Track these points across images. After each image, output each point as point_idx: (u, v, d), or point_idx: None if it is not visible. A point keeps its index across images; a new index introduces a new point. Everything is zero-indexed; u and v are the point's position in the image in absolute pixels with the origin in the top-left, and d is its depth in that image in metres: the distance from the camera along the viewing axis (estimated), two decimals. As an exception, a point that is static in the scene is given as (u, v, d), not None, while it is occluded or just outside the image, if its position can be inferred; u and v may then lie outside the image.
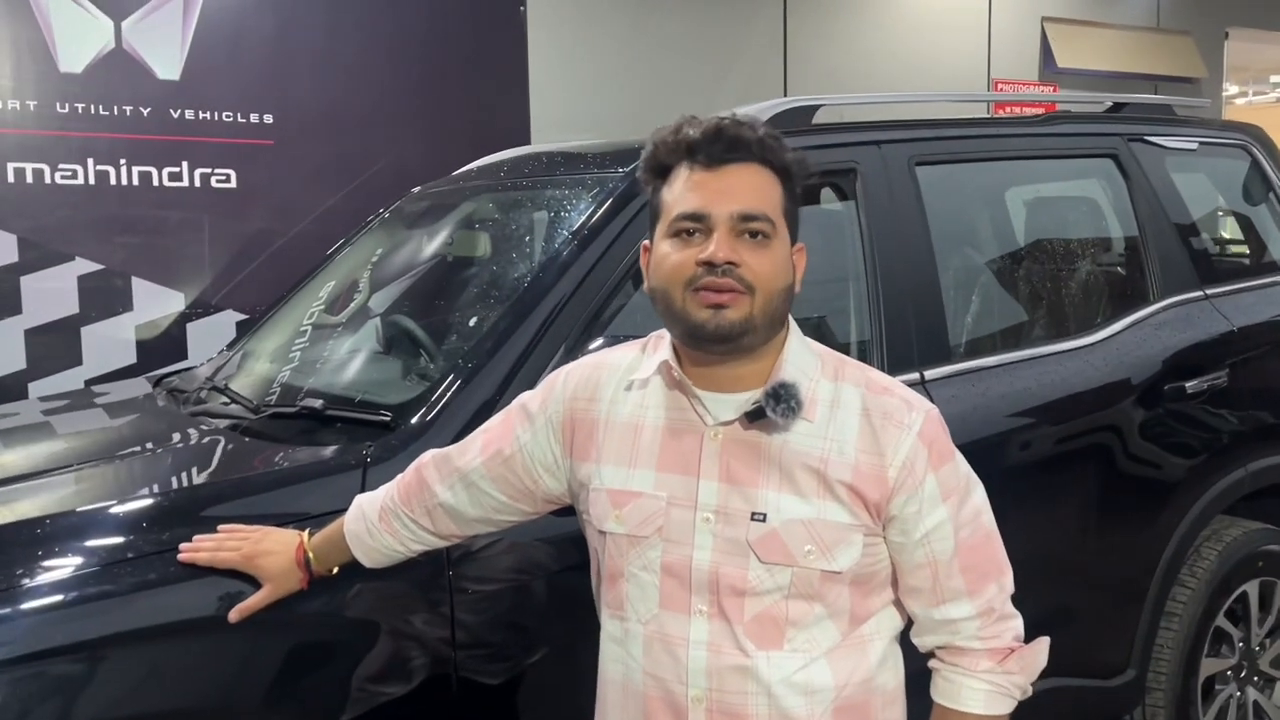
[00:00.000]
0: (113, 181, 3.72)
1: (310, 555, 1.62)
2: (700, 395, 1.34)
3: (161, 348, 3.83)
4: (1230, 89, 9.78)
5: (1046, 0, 5.94)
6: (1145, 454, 2.67)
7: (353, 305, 2.78)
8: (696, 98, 4.92)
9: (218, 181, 3.89)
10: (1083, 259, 2.95)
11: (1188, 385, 2.74)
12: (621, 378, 1.42)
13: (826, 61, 5.24)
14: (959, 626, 1.34)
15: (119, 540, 1.63)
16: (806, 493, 1.29)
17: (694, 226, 1.28)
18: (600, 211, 2.11)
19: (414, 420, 1.88)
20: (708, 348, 1.30)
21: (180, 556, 1.60)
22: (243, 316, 3.95)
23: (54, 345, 3.67)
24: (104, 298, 3.75)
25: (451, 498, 1.52)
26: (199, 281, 3.90)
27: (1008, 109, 5.35)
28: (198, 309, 3.90)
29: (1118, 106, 3.09)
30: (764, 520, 1.29)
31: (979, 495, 1.36)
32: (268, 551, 1.61)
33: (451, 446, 1.57)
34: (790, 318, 1.37)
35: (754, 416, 1.30)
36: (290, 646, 1.67)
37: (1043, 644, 1.38)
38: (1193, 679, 2.84)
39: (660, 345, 1.40)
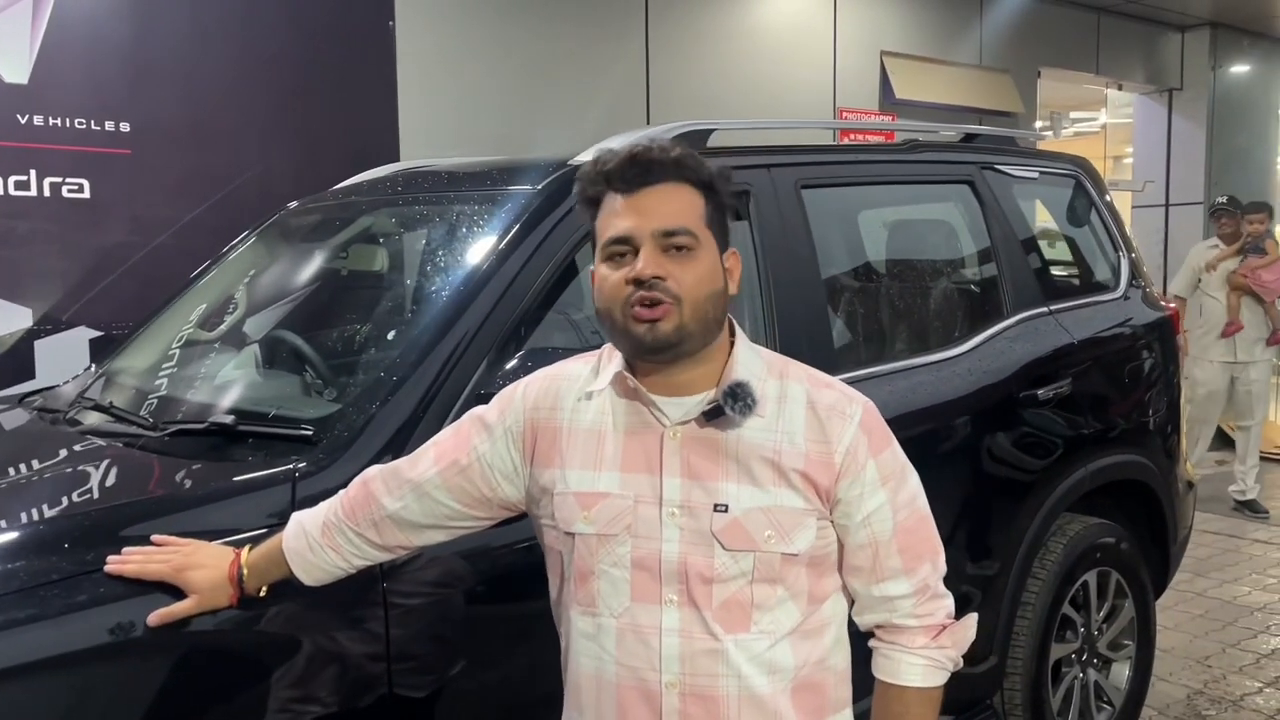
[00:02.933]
0: (-47, 189, 3.48)
1: (244, 571, 1.60)
2: (655, 400, 1.41)
3: (7, 367, 3.60)
4: (1037, 123, 10.62)
5: (885, 36, 6.32)
6: (1005, 457, 2.91)
7: (234, 321, 2.71)
8: (562, 119, 5.01)
9: (69, 191, 3.69)
10: (946, 277, 3.18)
11: (1039, 393, 3.00)
12: (580, 388, 1.48)
13: (688, 87, 5.42)
14: (896, 604, 1.46)
15: (38, 562, 1.56)
16: (763, 482, 1.39)
17: (623, 249, 1.37)
18: (517, 226, 2.16)
19: (340, 433, 1.87)
20: (650, 358, 1.39)
21: (108, 569, 1.56)
22: (97, 334, 3.76)
23: (-115, 364, 3.40)
24: (-58, 314, 3.50)
25: (402, 509, 1.54)
26: (49, 296, 3.68)
27: (854, 136, 5.67)
28: (47, 325, 3.68)
29: (970, 138, 3.36)
30: (726, 510, 1.38)
31: (914, 481, 1.49)
32: (199, 565, 1.59)
33: (399, 460, 1.58)
34: (737, 326, 1.46)
35: (711, 415, 1.39)
36: (221, 665, 1.63)
37: (971, 619, 1.52)
38: (1044, 663, 3.09)
39: (613, 358, 1.46)
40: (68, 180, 3.68)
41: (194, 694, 1.60)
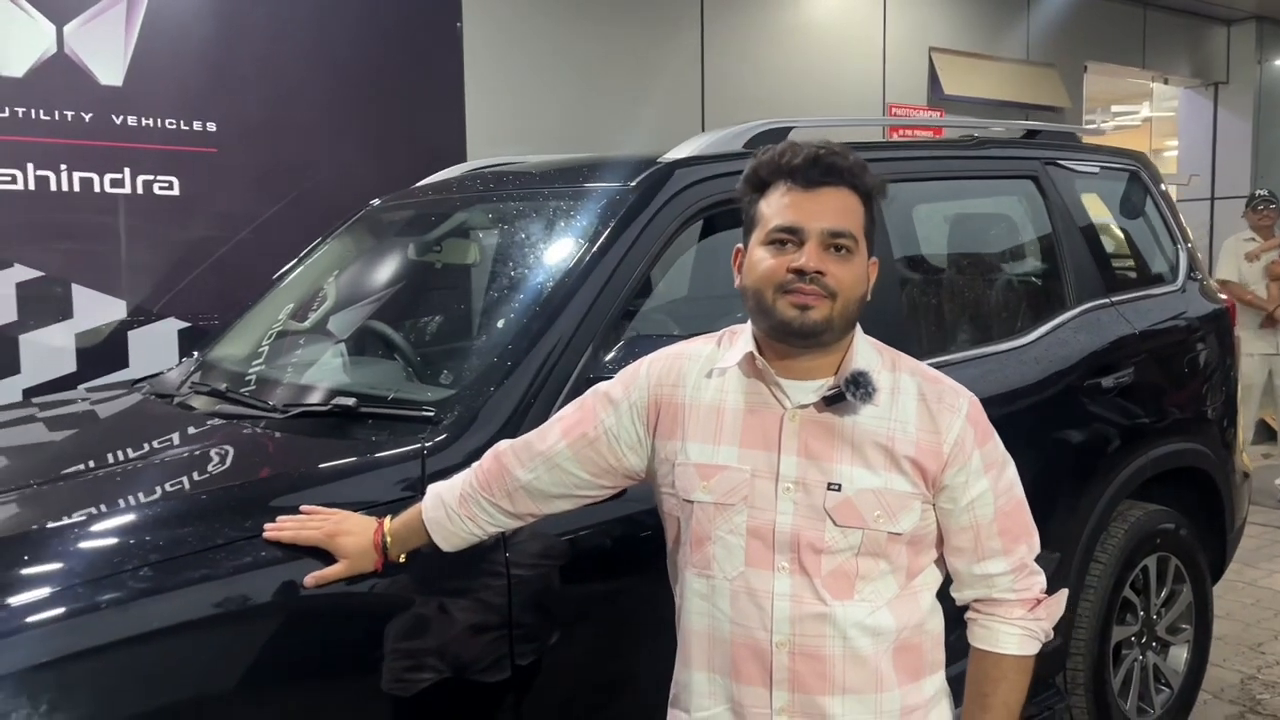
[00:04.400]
0: (53, 187, 3.66)
1: (388, 539, 1.74)
2: (780, 382, 1.53)
3: (102, 356, 3.78)
4: (1086, 118, 10.63)
5: (933, 33, 6.39)
6: (1070, 444, 3.00)
7: (340, 311, 2.85)
8: (620, 116, 5.13)
9: (160, 188, 3.86)
10: (1012, 269, 3.28)
11: (1102, 381, 3.09)
12: (703, 366, 1.60)
13: (741, 84, 5.52)
14: (995, 581, 1.58)
15: (203, 528, 1.71)
16: (875, 466, 1.50)
17: (788, 238, 1.49)
18: (616, 221, 2.28)
19: (462, 413, 2.00)
20: (791, 341, 1.50)
21: (265, 535, 1.71)
22: (185, 325, 3.93)
23: (-10, 353, 3.58)
24: (43, 305, 3.68)
25: (534, 479, 1.67)
26: (140, 289, 3.86)
27: (903, 132, 5.76)
28: (139, 317, 3.86)
29: (1032, 134, 3.45)
30: (839, 490, 1.49)
31: (1012, 470, 1.61)
32: (347, 532, 1.73)
33: (528, 435, 1.71)
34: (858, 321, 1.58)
35: (831, 400, 1.51)
36: (362, 625, 1.78)
37: (1063, 594, 1.63)
38: (1106, 645, 3.19)
39: (738, 339, 1.58)
40: (158, 178, 3.85)
41: (337, 650, 1.74)
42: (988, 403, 2.74)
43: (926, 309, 2.95)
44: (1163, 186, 3.80)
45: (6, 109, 3.56)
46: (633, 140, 2.44)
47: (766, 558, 1.51)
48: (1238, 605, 4.77)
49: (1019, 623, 1.57)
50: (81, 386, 3.38)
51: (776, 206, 1.50)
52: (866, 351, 1.56)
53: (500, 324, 2.26)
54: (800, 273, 1.46)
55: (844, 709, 1.50)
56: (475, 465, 1.73)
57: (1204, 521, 3.62)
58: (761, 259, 1.50)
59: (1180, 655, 3.50)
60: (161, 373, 3.00)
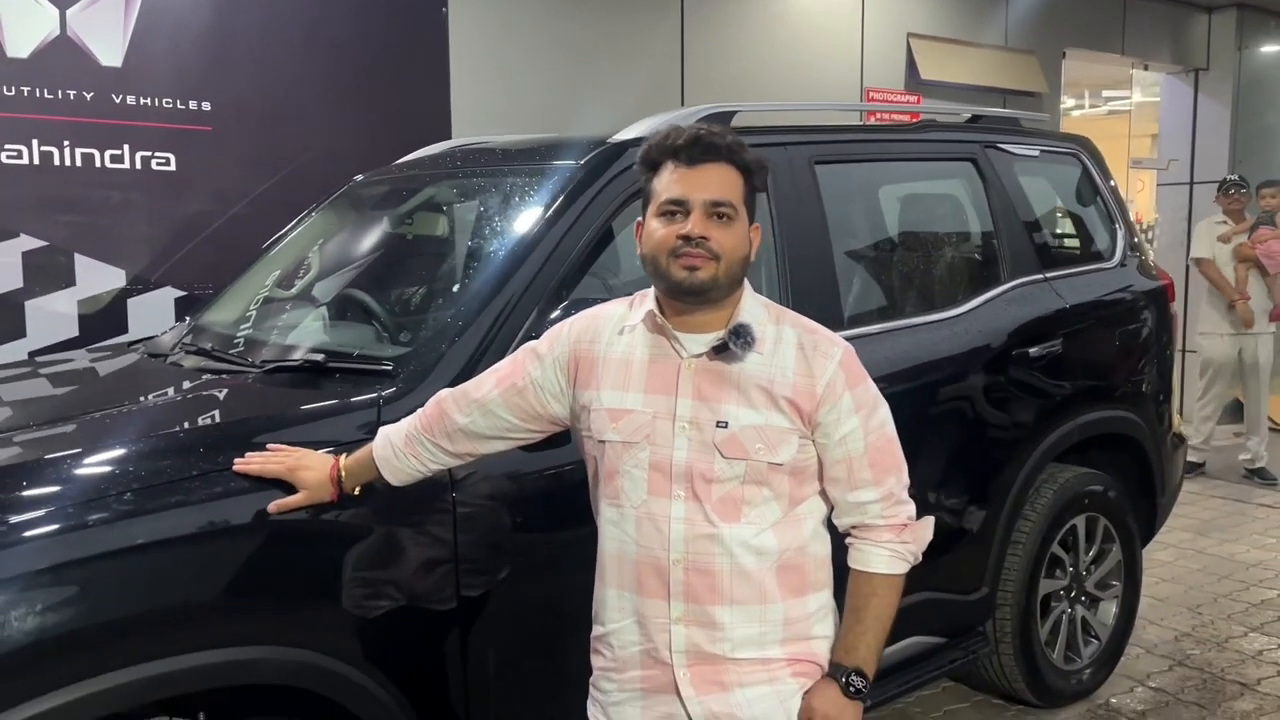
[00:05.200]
0: (56, 162, 3.89)
1: (343, 474, 1.98)
2: (678, 335, 1.76)
3: (103, 322, 4.01)
4: (1067, 101, 10.78)
5: (911, 18, 6.57)
6: (997, 407, 3.23)
7: (313, 280, 3.08)
8: (602, 99, 5.34)
9: (158, 164, 4.09)
10: (948, 246, 3.50)
11: (1030, 351, 3.31)
12: (615, 325, 1.83)
13: (720, 69, 5.72)
14: (866, 508, 1.81)
15: (185, 461, 1.95)
16: (757, 405, 1.74)
17: (676, 209, 1.72)
18: (562, 196, 2.51)
19: (417, 367, 2.24)
20: (685, 299, 1.74)
21: (235, 467, 1.95)
22: (181, 293, 4.16)
23: (-2, 318, 3.83)
24: (48, 273, 3.91)
25: (470, 422, 1.90)
26: (139, 259, 4.09)
27: (877, 117, 5.95)
28: (138, 286, 4.09)
29: (976, 118, 3.66)
30: (726, 427, 1.73)
31: (884, 411, 1.83)
32: (307, 467, 1.97)
33: (465, 384, 1.95)
34: (745, 279, 1.81)
35: (719, 350, 1.74)
36: (322, 549, 2.02)
37: (928, 520, 1.86)
38: (1033, 596, 3.42)
39: (645, 300, 1.82)
40: (156, 154, 4.08)
41: (297, 571, 1.98)
42: (920, 368, 3.05)
43: (862, 283, 3.16)
44: (1106, 171, 4.00)
45: (13, 88, 3.78)
46: (614, 123, 2.64)
47: (665, 487, 1.74)
48: (1185, 570, 5.00)
49: (887, 545, 1.80)
50: (83, 349, 3.61)
51: (666, 182, 1.73)
52: (753, 307, 1.79)
53: (455, 289, 2.50)
54: (687, 239, 1.69)
55: (732, 618, 1.74)
56: (419, 410, 1.97)
57: (1137, 486, 3.85)
58: (655, 229, 1.73)
59: (1110, 610, 3.74)
60: (156, 335, 3.25)
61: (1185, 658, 4.03)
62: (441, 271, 2.78)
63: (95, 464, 1.95)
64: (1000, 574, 3.34)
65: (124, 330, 4.04)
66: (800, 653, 1.78)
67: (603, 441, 1.79)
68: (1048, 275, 3.51)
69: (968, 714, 3.59)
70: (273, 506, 1.92)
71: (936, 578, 3.10)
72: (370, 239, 3.18)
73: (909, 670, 3.10)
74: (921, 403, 3.05)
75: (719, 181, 1.72)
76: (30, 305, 3.90)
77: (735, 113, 2.89)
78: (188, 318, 3.27)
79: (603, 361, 1.82)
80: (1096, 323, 3.62)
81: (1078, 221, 3.93)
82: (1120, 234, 3.90)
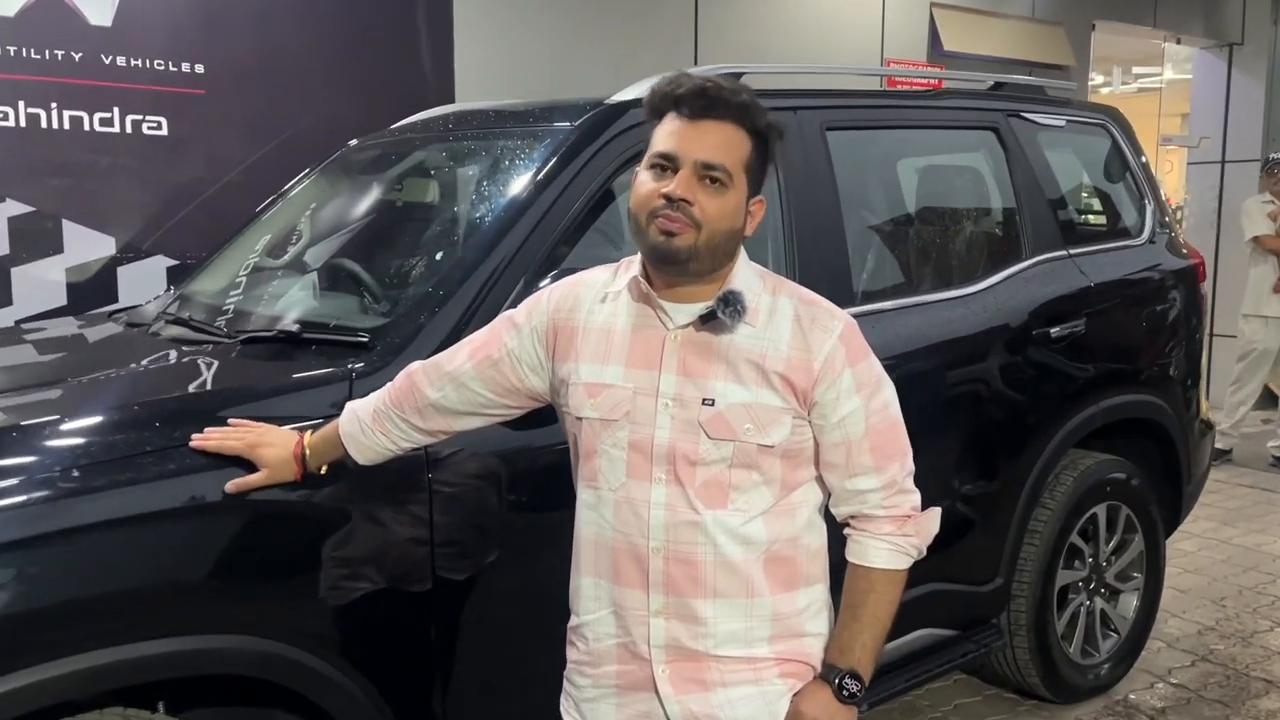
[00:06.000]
0: (44, 124, 3.76)
1: (307, 451, 1.85)
2: (664, 304, 1.61)
3: (92, 290, 3.89)
4: (1096, 78, 10.50)
5: (936, -13, 6.36)
6: (1015, 390, 3.06)
7: (300, 247, 2.96)
8: (613, 64, 5.16)
9: (149, 128, 3.96)
10: (966, 220, 3.33)
11: (1051, 331, 3.14)
12: (597, 292, 1.68)
13: (735, 35, 5.54)
14: (866, 497, 1.65)
15: (140, 435, 1.82)
16: (747, 381, 1.58)
17: (665, 164, 1.55)
18: (553, 160, 2.36)
19: (394, 339, 2.11)
20: (661, 266, 1.58)
21: (192, 444, 1.82)
22: (173, 262, 4.04)
23: (-17, 285, 3.72)
24: (34, 240, 3.80)
25: (442, 397, 1.76)
26: (130, 227, 3.97)
27: (902, 84, 5.75)
28: (129, 254, 3.97)
29: (998, 85, 3.48)
30: (713, 405, 1.58)
31: (888, 391, 1.68)
32: (269, 444, 1.84)
33: (438, 355, 1.81)
34: (741, 248, 1.65)
35: (706, 319, 1.59)
36: (287, 531, 1.89)
37: (934, 512, 1.71)
38: (1050, 587, 3.27)
39: (631, 265, 1.67)
40: (147, 118, 3.95)
41: (259, 556, 1.85)
42: (933, 347, 2.89)
43: (874, 257, 3.00)
44: (1135, 144, 3.81)
45: (-1, 47, 3.66)
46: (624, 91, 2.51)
47: (645, 469, 1.60)
48: (1209, 561, 4.83)
49: (888, 538, 1.65)
50: (63, 318, 3.50)
51: (661, 134, 1.57)
52: (747, 275, 1.63)
53: (439, 257, 2.35)
54: (667, 199, 1.52)
55: (715, 612, 1.60)
56: (389, 384, 1.83)
57: (1161, 473, 3.68)
58: (643, 182, 1.56)
59: (1130, 603, 3.58)
60: (140, 304, 3.13)
61: (1208, 653, 3.87)
62: (426, 239, 2.64)
63: (43, 438, 1.82)
64: (1016, 564, 3.19)
65: (114, 299, 3.92)
66: (789, 651, 1.64)
67: (580, 418, 1.65)
68: (1071, 252, 3.34)
69: (979, 709, 3.45)
70: (230, 486, 1.79)
71: (948, 568, 2.95)
72: (360, 206, 3.04)
73: (917, 664, 2.96)
74: (935, 384, 2.89)
75: (718, 142, 1.55)
76: (17, 272, 3.79)
77: (741, 74, 2.73)
78: (172, 287, 3.15)
79: (583, 332, 1.67)
80: (1122, 302, 3.44)
81: (1104, 196, 3.75)
82: (1150, 210, 3.71)
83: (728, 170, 1.54)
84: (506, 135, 2.65)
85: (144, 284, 3.94)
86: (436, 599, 2.04)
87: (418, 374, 1.79)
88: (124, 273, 3.97)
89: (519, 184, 2.38)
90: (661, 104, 1.59)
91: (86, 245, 3.90)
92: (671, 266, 1.56)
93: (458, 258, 2.28)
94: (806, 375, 1.59)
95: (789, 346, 1.59)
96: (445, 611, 2.06)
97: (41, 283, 3.83)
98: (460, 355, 1.77)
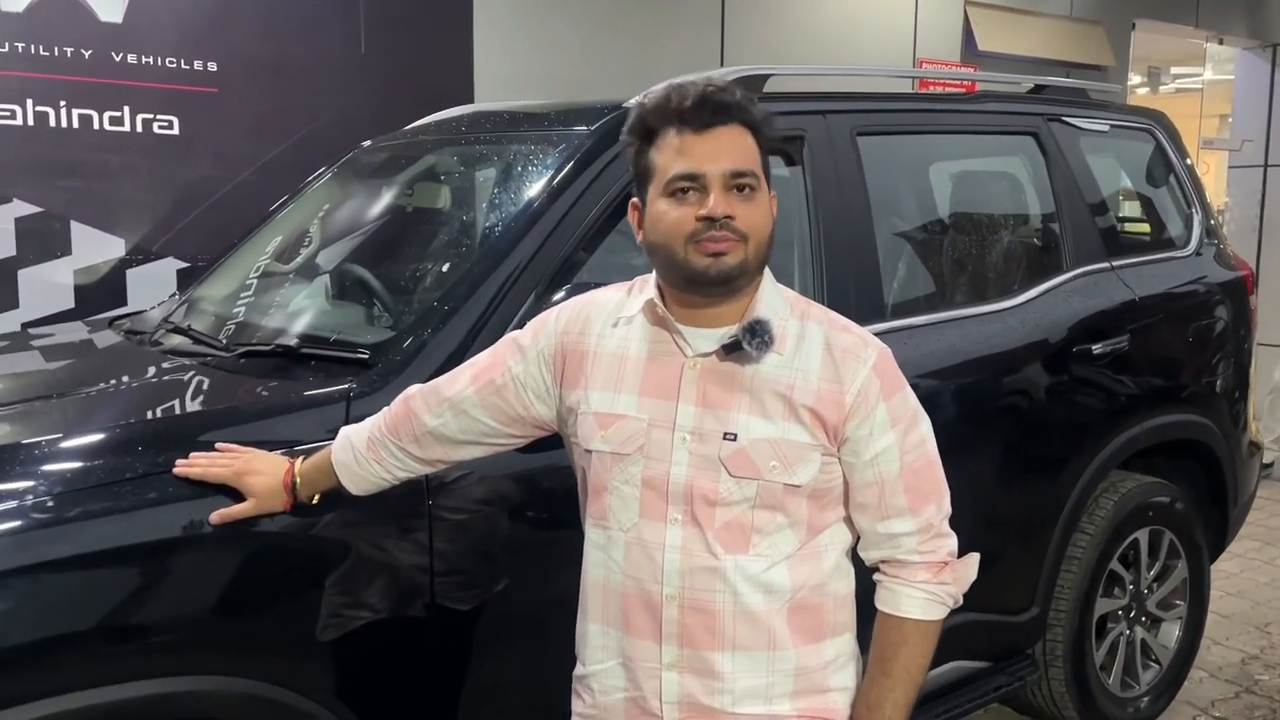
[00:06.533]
0: (52, 123, 3.68)
1: (298, 480, 1.72)
2: (682, 330, 1.48)
3: (100, 293, 3.81)
4: (1134, 78, 10.25)
5: (971, -15, 6.18)
6: (1053, 409, 2.90)
7: (308, 254, 2.84)
8: (637, 63, 5.03)
9: (160, 127, 3.87)
10: (1004, 229, 3.17)
11: (1094, 348, 2.98)
12: (610, 314, 1.55)
13: (762, 35, 5.39)
14: (900, 541, 1.51)
15: (119, 460, 1.71)
16: (773, 415, 1.45)
17: (689, 185, 1.42)
18: (568, 167, 2.23)
19: (395, 357, 1.98)
20: (708, 290, 1.44)
21: (175, 471, 1.70)
22: (184, 265, 3.95)
23: (-11, 288, 3.64)
24: (42, 241, 3.71)
25: (441, 425, 1.63)
26: (140, 228, 3.88)
27: (934, 86, 5.59)
28: (138, 255, 3.88)
29: (1039, 89, 3.31)
30: (735, 440, 1.44)
31: (925, 426, 1.54)
32: (257, 471, 1.71)
33: (438, 379, 1.68)
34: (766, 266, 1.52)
35: (730, 349, 1.46)
36: (277, 565, 1.77)
37: (973, 559, 1.57)
38: (1088, 617, 3.11)
39: (645, 287, 1.53)
40: (158, 117, 3.85)
41: (249, 592, 1.73)
42: (966, 365, 2.74)
43: (906, 268, 2.86)
44: (1183, 150, 3.64)
45: (6, 44, 3.57)
46: (646, 88, 2.38)
47: (660, 509, 1.47)
48: (1251, 584, 4.64)
49: (923, 586, 1.51)
50: (72, 323, 3.41)
51: (670, 154, 1.43)
52: (773, 298, 1.50)
53: (446, 268, 2.23)
54: (710, 220, 1.40)
55: (733, 666, 1.47)
56: (386, 409, 1.71)
57: (1206, 496, 3.51)
58: (665, 212, 1.43)
59: (1172, 632, 3.41)
60: (143, 310, 3.03)
61: (1253, 683, 3.69)
62: (434, 248, 2.51)
63: (15, 462, 1.71)
64: (1052, 592, 3.03)
65: (123, 302, 3.84)
66: (814, 708, 1.50)
67: (589, 451, 1.52)
68: (1114, 263, 3.17)
69: (1011, 741, 3.30)
70: (214, 517, 1.67)
71: (981, 597, 2.73)
72: (369, 210, 2.93)
73: (947, 699, 2.80)
74: (969, 402, 2.74)
75: (735, 147, 1.43)
76: (24, 275, 3.71)
77: (769, 76, 2.59)
78: (175, 293, 3.05)
79: (593, 357, 1.54)
80: (1168, 317, 3.27)
81: (1149, 205, 3.58)
82: (1196, 219, 3.54)
83: (754, 173, 1.43)
84: (521, 139, 2.52)
85: (153, 286, 3.85)
86: (435, 634, 1.91)
87: (415, 399, 1.67)
88: (133, 275, 3.89)
89: (531, 191, 2.25)
90: (659, 122, 1.45)
91: (95, 247, 3.81)
92: (721, 288, 1.44)
93: (465, 269, 2.15)
94: (837, 409, 1.45)
95: (819, 378, 1.46)
96: (444, 648, 1.93)
97: (49, 285, 3.74)
98: (461, 380, 1.64)
